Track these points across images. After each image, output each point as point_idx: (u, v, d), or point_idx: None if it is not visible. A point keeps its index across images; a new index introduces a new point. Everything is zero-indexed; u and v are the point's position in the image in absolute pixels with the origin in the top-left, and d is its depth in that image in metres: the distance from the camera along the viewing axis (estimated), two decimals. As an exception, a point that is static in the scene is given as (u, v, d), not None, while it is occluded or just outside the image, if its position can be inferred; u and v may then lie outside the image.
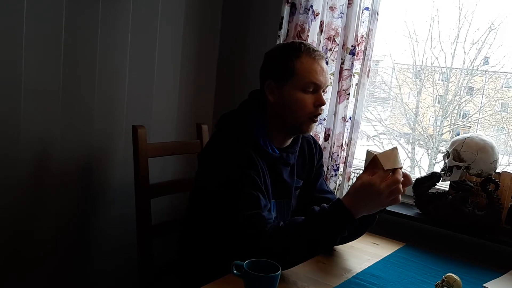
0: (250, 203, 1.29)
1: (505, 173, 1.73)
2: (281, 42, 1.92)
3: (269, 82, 1.40)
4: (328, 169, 1.91)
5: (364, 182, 1.17)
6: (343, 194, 1.90)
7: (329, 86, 1.92)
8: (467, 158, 1.68)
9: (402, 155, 2.18)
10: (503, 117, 2.37)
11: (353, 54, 1.83)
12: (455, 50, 2.38)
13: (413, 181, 1.23)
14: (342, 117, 1.88)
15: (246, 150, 1.34)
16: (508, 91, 2.42)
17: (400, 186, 1.17)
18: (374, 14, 1.78)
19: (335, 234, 1.22)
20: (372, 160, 1.18)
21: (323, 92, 1.40)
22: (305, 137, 1.61)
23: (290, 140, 1.49)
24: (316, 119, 1.41)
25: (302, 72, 1.36)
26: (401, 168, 1.18)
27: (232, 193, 1.31)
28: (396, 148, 1.18)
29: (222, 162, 1.35)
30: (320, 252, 1.28)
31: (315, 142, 1.65)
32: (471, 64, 2.39)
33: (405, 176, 1.21)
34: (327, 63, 1.88)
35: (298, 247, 1.23)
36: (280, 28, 1.93)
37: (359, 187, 1.18)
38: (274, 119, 1.42)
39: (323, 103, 1.38)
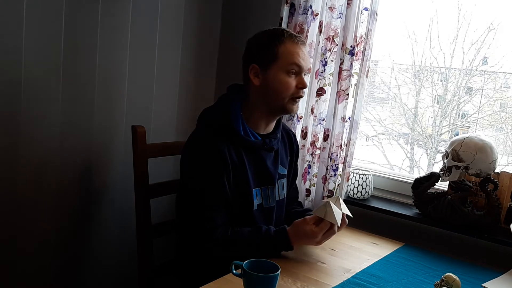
0: (204, 204, 1.38)
1: (504, 173, 1.73)
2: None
3: (253, 66, 1.46)
4: (327, 169, 1.91)
5: (308, 231, 1.38)
6: (343, 194, 1.91)
7: (328, 87, 1.93)
8: (466, 158, 1.68)
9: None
10: (502, 117, 2.37)
11: (352, 55, 1.84)
12: (454, 50, 2.39)
13: (346, 223, 1.46)
14: (341, 117, 1.88)
15: (215, 146, 1.39)
16: (507, 91, 2.42)
17: (332, 236, 1.41)
18: (373, 14, 1.79)
19: (271, 253, 1.39)
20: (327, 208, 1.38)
21: (304, 76, 1.48)
22: (286, 130, 1.68)
23: (273, 125, 1.55)
24: (298, 100, 1.48)
25: (285, 55, 1.43)
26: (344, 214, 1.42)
27: (190, 191, 1.42)
28: (329, 203, 1.38)
29: (189, 159, 1.45)
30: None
31: (295, 139, 1.71)
32: (470, 64, 2.39)
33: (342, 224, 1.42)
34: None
35: (238, 256, 1.36)
36: (280, 29, 1.93)
37: (303, 233, 1.39)
38: (257, 103, 1.48)
39: (305, 86, 1.47)
